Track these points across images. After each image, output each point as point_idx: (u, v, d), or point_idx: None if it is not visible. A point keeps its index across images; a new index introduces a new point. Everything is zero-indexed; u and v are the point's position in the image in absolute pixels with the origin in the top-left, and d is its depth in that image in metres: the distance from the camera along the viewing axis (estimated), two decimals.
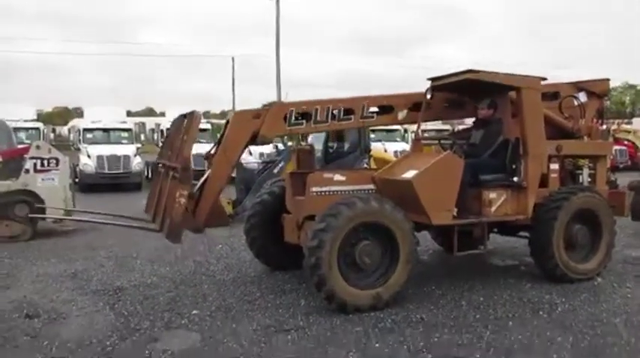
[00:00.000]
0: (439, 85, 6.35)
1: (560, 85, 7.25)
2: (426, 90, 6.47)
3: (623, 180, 11.19)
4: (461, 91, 6.69)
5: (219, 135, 6.05)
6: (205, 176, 5.81)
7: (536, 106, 6.19)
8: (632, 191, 8.82)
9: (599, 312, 5.32)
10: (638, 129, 22.88)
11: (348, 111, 6.14)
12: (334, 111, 6.04)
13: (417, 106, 6.44)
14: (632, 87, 54.76)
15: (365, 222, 5.28)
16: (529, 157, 6.09)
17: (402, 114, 6.37)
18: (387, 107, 6.33)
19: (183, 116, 5.92)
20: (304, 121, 5.98)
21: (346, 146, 13.19)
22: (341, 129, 6.25)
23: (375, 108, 6.32)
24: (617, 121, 23.13)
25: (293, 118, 5.90)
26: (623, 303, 5.59)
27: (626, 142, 21.26)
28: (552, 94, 7.08)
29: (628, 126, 22.37)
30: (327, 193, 5.84)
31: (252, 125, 5.75)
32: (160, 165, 6.26)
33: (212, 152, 5.87)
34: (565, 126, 6.89)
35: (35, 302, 5.74)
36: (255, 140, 5.86)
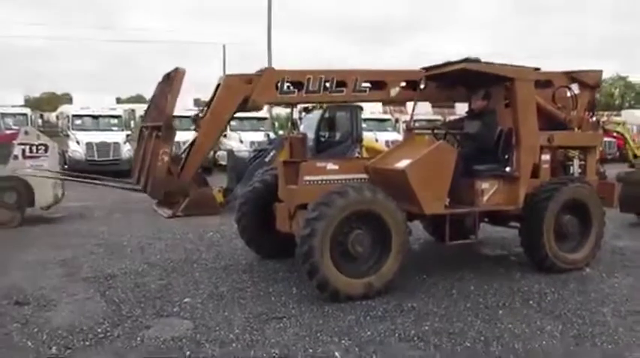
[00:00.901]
0: (433, 74, 6.34)
1: (554, 74, 7.28)
2: (420, 80, 6.47)
3: (611, 171, 11.30)
4: (455, 81, 6.70)
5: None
6: (192, 138, 5.72)
7: (530, 97, 6.21)
8: (620, 182, 8.91)
9: (587, 302, 5.38)
10: (628, 121, 23.14)
11: (341, 84, 6.06)
12: (327, 83, 5.95)
13: (410, 84, 6.40)
14: (622, 79, 55.09)
15: (358, 211, 5.28)
16: (521, 148, 6.11)
17: (394, 91, 6.31)
18: (379, 83, 6.27)
19: (167, 75, 5.79)
20: (296, 90, 5.89)
21: (338, 135, 13.22)
22: (332, 101, 6.11)
23: (367, 84, 6.25)
24: (606, 113, 23.33)
25: (285, 86, 5.81)
26: (611, 293, 5.66)
27: (615, 134, 21.45)
28: (545, 82, 7.11)
29: (617, 119, 22.61)
30: (319, 182, 5.83)
31: (244, 90, 5.64)
32: (144, 127, 6.13)
33: (200, 115, 5.75)
34: (558, 116, 6.93)
35: (24, 289, 5.70)
36: (245, 105, 5.75)
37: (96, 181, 6.67)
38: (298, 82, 5.84)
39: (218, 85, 5.74)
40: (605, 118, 18.80)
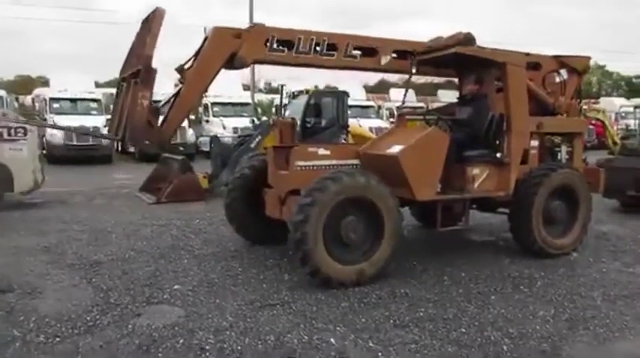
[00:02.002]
0: (424, 59, 6.28)
1: (543, 57, 7.28)
2: (411, 65, 6.41)
3: (591, 158, 11.44)
4: (446, 66, 6.65)
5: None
6: (176, 90, 5.54)
7: (522, 82, 6.20)
8: (602, 168, 9.02)
9: (577, 286, 5.44)
10: (606, 109, 23.45)
11: (332, 47, 5.97)
12: (317, 45, 5.84)
13: (401, 54, 6.35)
14: (600, 67, 55.90)
15: (351, 197, 5.22)
16: (512, 134, 6.11)
17: (385, 60, 6.23)
18: (371, 50, 6.19)
19: (146, 19, 5.55)
20: (286, 49, 5.77)
21: (324, 121, 13.14)
22: (322, 65, 5.96)
23: (359, 52, 6.16)
24: (585, 101, 23.58)
25: (274, 44, 5.68)
26: (599, 278, 5.73)
27: (593, 122, 21.71)
28: (534, 65, 7.11)
29: (597, 106, 22.88)
30: (311, 168, 5.75)
31: (232, 44, 5.46)
32: (123, 80, 5.85)
33: (186, 66, 5.55)
34: (547, 101, 6.94)
35: (8, 276, 5.53)
36: (232, 62, 5.59)
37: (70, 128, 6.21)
38: (288, 41, 5.71)
39: (206, 38, 5.54)
40: (585, 106, 18.99)
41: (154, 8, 5.37)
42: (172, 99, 5.49)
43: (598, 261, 6.38)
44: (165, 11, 5.30)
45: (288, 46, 5.74)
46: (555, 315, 4.64)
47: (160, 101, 6.12)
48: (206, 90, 5.80)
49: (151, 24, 5.27)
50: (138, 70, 5.17)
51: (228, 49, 5.46)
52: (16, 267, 5.85)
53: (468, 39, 6.33)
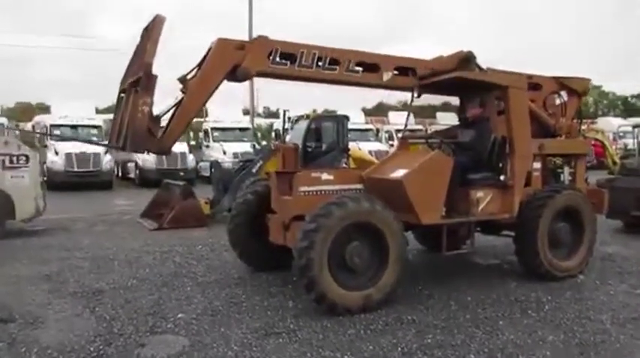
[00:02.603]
0: (426, 83, 6.32)
1: (543, 78, 7.31)
2: (413, 89, 6.45)
3: (591, 179, 11.44)
4: (448, 90, 6.69)
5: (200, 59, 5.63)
6: (178, 100, 5.50)
7: (524, 105, 6.23)
8: (603, 189, 9.00)
9: (585, 310, 5.38)
10: (605, 129, 23.57)
11: (334, 62, 5.98)
12: (320, 59, 5.85)
13: (402, 71, 6.35)
14: (596, 87, 56.35)
15: (356, 223, 5.19)
16: (515, 156, 6.12)
17: (387, 76, 6.21)
18: (373, 65, 6.20)
19: (146, 28, 5.54)
20: (288, 62, 5.78)
21: (324, 146, 13.17)
22: (323, 79, 5.94)
23: (360, 68, 6.16)
24: (587, 121, 23.72)
25: (277, 57, 5.69)
26: (607, 300, 5.67)
27: (593, 142, 21.81)
28: (534, 85, 7.15)
29: (596, 126, 22.99)
30: (315, 193, 5.74)
31: (235, 56, 5.48)
32: (123, 91, 5.80)
33: (189, 77, 5.54)
34: (548, 123, 6.97)
35: (9, 305, 5.46)
36: (235, 74, 5.59)
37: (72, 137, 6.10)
38: (291, 54, 5.74)
39: (210, 49, 5.55)
40: (585, 126, 19.10)
41: (154, 16, 5.37)
42: (174, 109, 5.47)
43: (605, 283, 6.32)
44: (166, 18, 5.31)
45: (290, 60, 5.77)
46: (565, 340, 4.58)
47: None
48: (207, 101, 5.75)
49: (151, 31, 5.27)
50: (138, 78, 5.16)
51: (231, 60, 5.48)
52: (18, 296, 5.79)
53: (468, 57, 6.38)
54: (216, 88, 5.58)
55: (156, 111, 5.42)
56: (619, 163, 17.29)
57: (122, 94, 5.76)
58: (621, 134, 27.41)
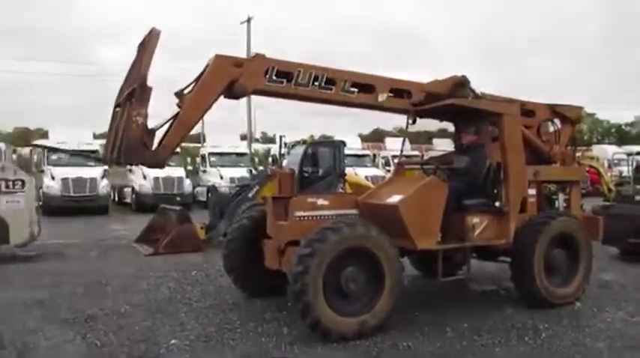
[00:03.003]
0: (422, 110, 6.38)
1: (537, 105, 7.40)
2: (408, 116, 6.51)
3: (586, 205, 11.46)
4: (443, 116, 6.76)
5: (197, 75, 5.65)
6: (174, 114, 5.50)
7: (517, 132, 6.29)
8: (599, 216, 9.02)
9: (582, 337, 5.33)
10: (600, 156, 23.72)
11: (330, 82, 6.03)
12: (316, 79, 5.90)
13: (398, 93, 6.40)
14: (590, 115, 56.91)
15: (351, 248, 5.19)
16: (510, 182, 6.15)
17: (382, 97, 6.25)
18: (368, 86, 6.25)
19: (142, 43, 5.56)
20: (285, 81, 5.82)
21: (321, 171, 13.21)
22: (319, 98, 5.98)
23: (356, 89, 6.20)
24: (579, 148, 23.88)
25: (274, 75, 5.73)
26: (604, 328, 5.63)
27: (588, 168, 21.93)
28: (528, 112, 7.22)
29: (590, 153, 23.14)
30: (310, 218, 5.73)
31: (232, 72, 5.51)
32: (118, 106, 5.79)
33: (185, 91, 5.55)
34: (543, 150, 7.02)
35: (0, 332, 5.39)
36: (232, 91, 5.62)
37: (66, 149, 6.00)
38: (288, 72, 5.80)
39: (207, 65, 5.60)
40: (579, 153, 19.23)
41: (149, 29, 5.42)
42: (170, 122, 5.48)
43: (602, 310, 6.28)
44: (161, 32, 5.37)
45: (287, 78, 5.83)
46: None
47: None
48: (204, 115, 5.75)
49: (147, 44, 5.31)
50: (133, 90, 5.19)
51: (228, 76, 5.54)
52: (9, 323, 5.71)
53: (462, 82, 6.46)
54: (213, 103, 5.61)
55: (151, 125, 5.44)
56: (614, 190, 17.37)
57: (117, 109, 5.77)
58: (616, 161, 27.58)
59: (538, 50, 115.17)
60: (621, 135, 57.79)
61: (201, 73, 5.58)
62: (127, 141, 5.12)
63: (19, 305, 6.39)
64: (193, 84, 5.58)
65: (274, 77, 5.75)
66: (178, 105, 5.53)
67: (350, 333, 5.09)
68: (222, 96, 5.70)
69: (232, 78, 5.55)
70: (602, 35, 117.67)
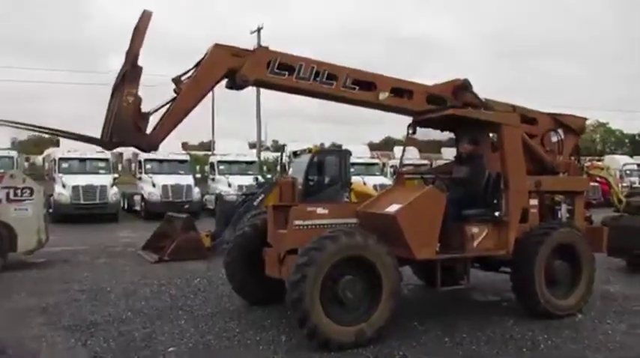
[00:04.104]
0: (422, 119, 6.42)
1: (539, 114, 7.38)
2: (409, 126, 6.55)
3: (597, 216, 11.37)
4: (443, 126, 6.78)
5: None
6: (171, 98, 5.56)
7: (517, 142, 6.28)
8: (606, 227, 8.94)
9: (582, 349, 5.30)
10: (610, 167, 23.49)
11: (331, 77, 6.06)
12: (318, 73, 5.94)
13: (398, 92, 6.41)
14: (602, 125, 56.47)
15: (349, 257, 5.21)
16: (510, 192, 6.14)
17: (382, 95, 6.26)
18: (370, 84, 6.27)
19: (136, 27, 5.60)
20: (286, 73, 5.87)
21: (327, 179, 13.24)
22: (320, 93, 6.00)
23: (357, 85, 6.21)
24: (589, 158, 23.72)
25: (276, 67, 5.79)
26: (604, 340, 5.58)
27: (598, 179, 21.71)
28: (530, 119, 7.21)
29: (600, 164, 22.92)
30: (309, 227, 5.77)
31: (230, 61, 5.59)
32: (113, 90, 5.84)
33: (183, 78, 5.62)
34: (545, 159, 7.00)
35: (3, 338, 5.48)
36: (231, 78, 5.66)
37: (58, 133, 5.91)
38: (290, 66, 5.86)
39: (207, 53, 5.68)
40: (588, 163, 19.08)
41: (142, 11, 5.47)
42: (166, 108, 5.53)
43: (603, 322, 6.22)
44: (152, 13, 5.44)
45: (289, 71, 5.89)
46: None
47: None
48: (199, 103, 5.77)
49: (138, 23, 5.37)
50: (126, 72, 5.26)
51: (226, 65, 5.62)
52: (13, 329, 5.80)
53: (464, 85, 6.47)
54: (209, 91, 5.70)
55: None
56: (624, 201, 17.19)
57: (113, 97, 5.82)
58: (628, 172, 27.32)
59: (551, 56, 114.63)
60: (635, 145, 57.21)
61: (200, 61, 5.65)
62: (118, 120, 5.16)
63: (23, 312, 6.49)
64: (192, 71, 5.64)
65: (276, 69, 5.82)
66: (175, 91, 5.59)
67: (347, 342, 5.11)
68: (222, 87, 5.78)
69: (229, 66, 5.63)
70: (618, 44, 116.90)
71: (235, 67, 5.64)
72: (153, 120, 5.62)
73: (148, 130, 5.53)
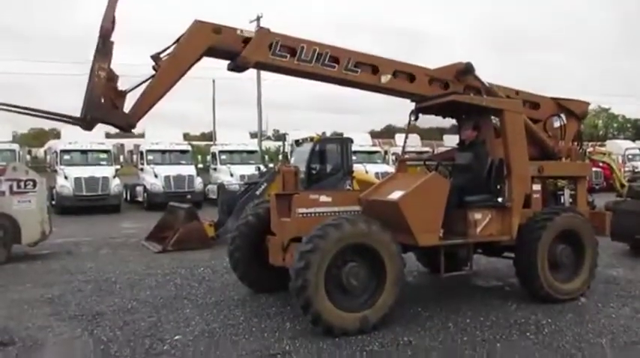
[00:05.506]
0: (424, 106, 6.39)
1: (542, 98, 7.35)
2: (411, 113, 6.52)
3: (600, 201, 11.39)
4: (444, 113, 6.75)
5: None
6: (149, 76, 5.47)
7: (519, 128, 6.26)
8: (609, 211, 8.95)
9: (585, 333, 5.31)
10: (613, 152, 23.47)
11: (333, 60, 6.01)
12: (320, 55, 5.88)
13: (401, 75, 6.36)
14: (605, 110, 56.23)
15: (352, 244, 5.22)
16: (513, 178, 6.13)
17: (385, 78, 6.20)
18: (372, 67, 6.22)
19: None
20: (288, 55, 5.82)
21: (329, 168, 13.24)
22: (322, 75, 5.95)
23: (359, 68, 6.14)
24: (591, 144, 23.67)
25: (278, 49, 5.74)
26: (608, 323, 5.59)
27: (601, 164, 21.71)
28: (533, 104, 7.18)
29: (603, 149, 22.91)
30: (312, 215, 5.78)
31: (210, 39, 5.47)
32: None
33: (162, 55, 5.52)
34: (548, 145, 6.98)
35: (10, 328, 5.52)
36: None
37: (32, 113, 5.70)
38: (292, 48, 5.80)
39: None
40: (591, 148, 19.08)
41: None
42: (146, 85, 5.43)
43: (607, 306, 6.24)
44: None
45: (290, 53, 5.83)
46: None
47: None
48: (179, 80, 5.64)
49: None
50: (97, 47, 5.16)
51: (206, 42, 5.51)
52: (19, 320, 5.84)
53: (467, 69, 6.44)
54: (189, 68, 5.57)
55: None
56: (627, 186, 17.17)
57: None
58: (630, 156, 27.26)
59: (553, 43, 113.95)
60: (637, 130, 57.01)
61: (180, 37, 5.55)
62: (90, 96, 5.08)
63: (29, 303, 6.52)
64: (172, 48, 5.54)
65: (278, 51, 5.75)
66: (154, 68, 5.50)
67: (351, 328, 5.13)
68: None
69: (211, 44, 5.52)
70: (621, 29, 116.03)
71: (215, 45, 5.54)
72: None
73: (124, 103, 5.43)
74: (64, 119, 5.49)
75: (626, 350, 4.83)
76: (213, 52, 5.70)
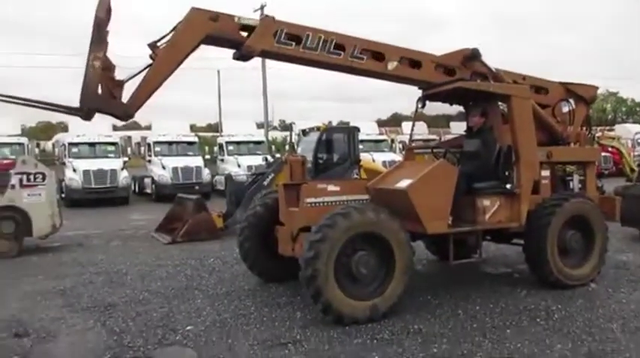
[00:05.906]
0: (431, 93, 6.36)
1: (550, 83, 7.28)
2: (418, 100, 6.49)
3: (609, 186, 11.32)
4: (452, 100, 6.71)
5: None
6: (146, 65, 5.44)
7: (527, 114, 6.22)
8: (618, 196, 8.89)
9: (595, 318, 5.31)
10: (622, 136, 23.27)
11: (339, 47, 5.97)
12: (325, 43, 5.84)
13: (407, 62, 6.33)
14: (613, 94, 55.65)
15: (361, 233, 5.23)
16: (521, 164, 6.10)
17: (391, 65, 6.13)
18: (378, 54, 6.18)
19: None
20: (293, 43, 5.78)
21: (336, 157, 13.24)
22: (328, 63, 5.89)
23: (365, 55, 6.09)
24: (600, 128, 23.46)
25: (283, 37, 5.70)
26: (618, 308, 5.59)
27: (610, 149, 21.55)
28: (541, 89, 7.12)
29: (612, 133, 22.72)
30: (321, 204, 5.79)
31: (207, 26, 5.41)
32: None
33: (159, 44, 5.49)
34: (556, 130, 6.93)
35: (24, 320, 5.59)
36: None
37: (32, 104, 5.65)
38: (297, 36, 5.75)
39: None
40: (599, 133, 18.93)
41: None
42: (144, 74, 5.40)
43: (617, 291, 6.23)
44: None
45: (296, 41, 5.79)
46: (573, 349, 4.53)
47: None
48: (176, 69, 5.58)
49: None
50: (92, 36, 5.13)
51: (203, 30, 5.45)
52: (32, 312, 5.91)
53: (474, 54, 6.39)
54: (186, 57, 5.47)
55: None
56: (636, 170, 17.05)
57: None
58: (639, 141, 27.02)
59: (562, 26, 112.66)
60: None
61: (177, 25, 5.50)
62: (86, 86, 5.06)
63: (42, 295, 6.60)
64: (169, 36, 5.49)
65: (283, 40, 5.71)
66: (151, 57, 5.46)
67: (361, 317, 5.16)
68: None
69: (207, 31, 5.45)
70: (631, 11, 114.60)
71: (213, 33, 5.49)
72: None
73: (122, 93, 5.41)
74: (62, 110, 5.47)
75: (638, 335, 4.82)
76: (214, 40, 5.65)
